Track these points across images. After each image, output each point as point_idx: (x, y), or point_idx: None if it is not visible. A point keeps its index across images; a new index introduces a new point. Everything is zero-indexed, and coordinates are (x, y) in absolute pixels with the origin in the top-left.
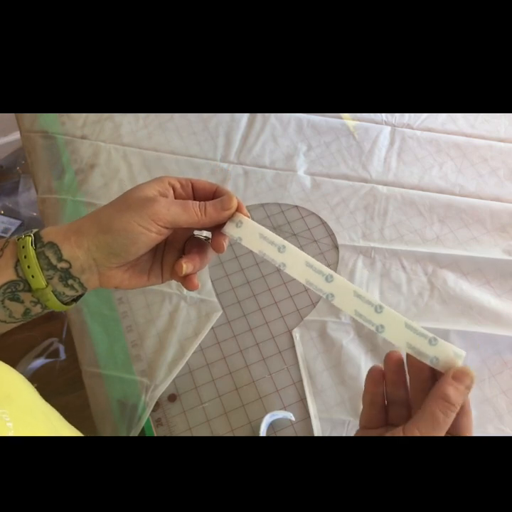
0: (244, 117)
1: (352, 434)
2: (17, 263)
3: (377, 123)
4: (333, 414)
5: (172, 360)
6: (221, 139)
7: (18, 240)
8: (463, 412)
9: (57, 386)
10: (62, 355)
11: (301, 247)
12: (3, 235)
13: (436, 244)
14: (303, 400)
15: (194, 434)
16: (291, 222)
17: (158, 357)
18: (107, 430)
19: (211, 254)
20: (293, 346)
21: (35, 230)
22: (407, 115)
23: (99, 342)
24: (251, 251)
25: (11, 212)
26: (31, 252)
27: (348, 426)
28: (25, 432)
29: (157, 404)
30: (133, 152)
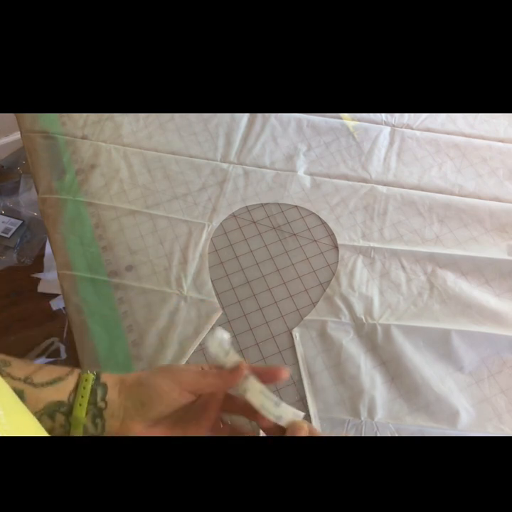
0: (244, 117)
1: (352, 433)
2: (74, 390)
3: (376, 123)
4: (333, 414)
5: (172, 359)
6: (221, 139)
7: (84, 373)
8: None
9: None
10: (63, 355)
11: (301, 247)
12: (3, 234)
13: (435, 244)
14: (303, 399)
15: None
16: (291, 222)
17: (158, 356)
18: None
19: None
20: (293, 346)
21: (98, 370)
22: (406, 115)
23: (100, 342)
24: (251, 251)
25: (11, 212)
26: (90, 386)
27: (347, 425)
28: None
29: None
30: (133, 152)
